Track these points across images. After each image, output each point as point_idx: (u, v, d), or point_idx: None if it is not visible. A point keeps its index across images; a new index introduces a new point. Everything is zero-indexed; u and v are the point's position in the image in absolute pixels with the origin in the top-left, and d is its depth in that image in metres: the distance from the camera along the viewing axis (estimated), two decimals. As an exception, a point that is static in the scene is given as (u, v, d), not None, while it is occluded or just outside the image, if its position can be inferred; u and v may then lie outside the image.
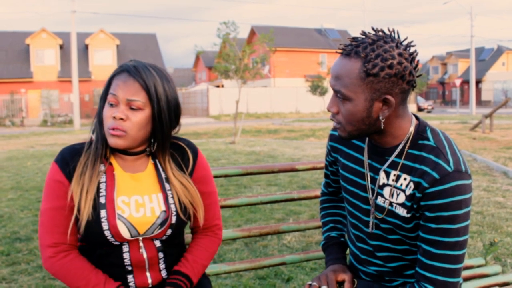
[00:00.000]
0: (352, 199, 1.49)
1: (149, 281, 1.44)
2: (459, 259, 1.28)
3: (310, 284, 1.47)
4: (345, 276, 1.48)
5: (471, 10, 35.89)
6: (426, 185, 1.26)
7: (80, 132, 21.98)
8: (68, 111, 32.51)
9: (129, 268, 1.41)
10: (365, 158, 1.43)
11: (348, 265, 1.60)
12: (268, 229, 2.04)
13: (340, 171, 1.55)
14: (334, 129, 1.47)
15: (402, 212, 1.34)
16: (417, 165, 1.30)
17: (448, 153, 1.28)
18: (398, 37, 1.28)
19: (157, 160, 1.49)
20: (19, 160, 10.53)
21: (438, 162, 1.26)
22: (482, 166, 8.31)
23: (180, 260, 1.51)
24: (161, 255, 1.45)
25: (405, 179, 1.33)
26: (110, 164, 1.45)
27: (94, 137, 1.46)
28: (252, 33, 40.32)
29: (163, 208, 1.43)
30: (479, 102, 47.21)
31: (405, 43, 1.27)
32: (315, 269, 3.41)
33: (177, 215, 1.44)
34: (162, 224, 1.41)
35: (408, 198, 1.32)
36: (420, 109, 40.35)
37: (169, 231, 1.43)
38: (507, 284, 2.01)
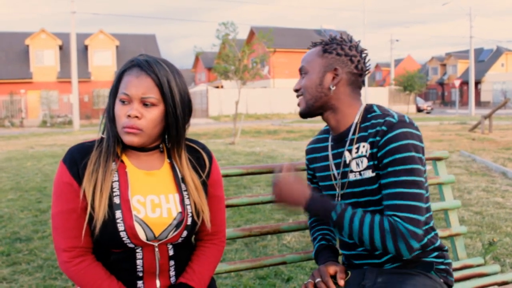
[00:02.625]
0: (329, 192, 1.64)
1: (158, 286, 1.41)
2: (417, 196, 1.41)
3: (306, 285, 1.53)
4: (337, 268, 1.55)
5: (470, 11, 35.97)
6: (378, 138, 1.47)
7: (80, 133, 21.98)
8: (67, 112, 32.51)
9: (140, 274, 1.38)
10: (329, 151, 1.64)
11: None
12: (269, 229, 2.05)
13: (317, 175, 1.70)
14: (309, 143, 1.78)
15: (368, 174, 1.50)
16: (370, 131, 1.51)
17: (393, 112, 1.51)
18: (351, 39, 1.62)
19: (173, 160, 1.45)
20: (18, 161, 10.54)
21: (385, 119, 1.48)
22: (481, 166, 8.33)
23: (187, 271, 1.46)
24: (172, 262, 1.42)
25: (363, 146, 1.52)
26: (122, 162, 1.40)
27: (104, 135, 1.40)
28: (252, 34, 40.32)
29: (180, 209, 1.40)
30: (478, 103, 47.23)
31: (361, 46, 1.61)
32: (315, 269, 3.42)
33: (193, 216, 1.41)
34: (177, 226, 1.38)
35: (369, 158, 1.49)
36: (419, 110, 40.37)
37: (184, 233, 1.40)
38: (505, 283, 2.02)
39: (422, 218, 1.40)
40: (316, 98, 1.57)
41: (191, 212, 1.41)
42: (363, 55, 1.59)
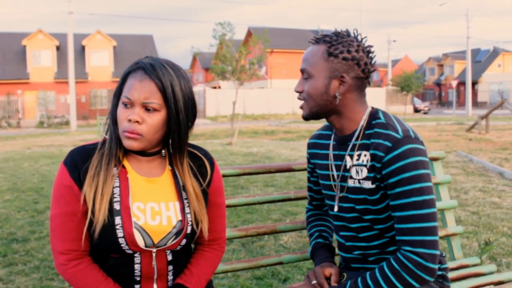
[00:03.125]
0: (327, 192, 1.62)
1: None
2: (429, 217, 1.36)
3: (301, 286, 1.53)
4: (332, 270, 1.54)
5: (467, 11, 36.05)
6: (382, 154, 1.40)
7: (77, 134, 21.94)
8: (64, 113, 32.43)
9: (138, 278, 1.38)
10: (330, 151, 1.60)
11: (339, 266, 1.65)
12: (266, 229, 2.05)
13: (317, 171, 1.68)
14: (311, 137, 1.72)
15: (367, 185, 1.46)
16: (372, 140, 1.46)
17: (397, 125, 1.45)
18: (357, 37, 1.50)
19: (175, 167, 1.43)
20: (15, 162, 10.51)
21: (388, 133, 1.42)
22: (478, 167, 8.35)
23: (184, 273, 1.45)
24: (170, 267, 1.41)
25: (365, 155, 1.47)
26: (123, 167, 1.38)
27: (107, 136, 1.39)
28: (249, 34, 40.30)
29: (180, 217, 1.38)
30: (475, 103, 47.35)
31: (366, 44, 1.50)
32: (310, 271, 3.42)
33: (192, 225, 1.40)
34: (177, 234, 1.37)
35: (370, 169, 1.45)
36: (416, 110, 40.40)
37: (184, 241, 1.39)
38: (501, 282, 2.03)
39: (437, 238, 1.36)
40: (321, 106, 1.49)
41: (191, 221, 1.40)
42: (370, 54, 1.49)
